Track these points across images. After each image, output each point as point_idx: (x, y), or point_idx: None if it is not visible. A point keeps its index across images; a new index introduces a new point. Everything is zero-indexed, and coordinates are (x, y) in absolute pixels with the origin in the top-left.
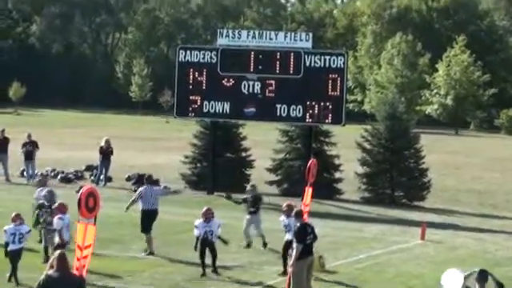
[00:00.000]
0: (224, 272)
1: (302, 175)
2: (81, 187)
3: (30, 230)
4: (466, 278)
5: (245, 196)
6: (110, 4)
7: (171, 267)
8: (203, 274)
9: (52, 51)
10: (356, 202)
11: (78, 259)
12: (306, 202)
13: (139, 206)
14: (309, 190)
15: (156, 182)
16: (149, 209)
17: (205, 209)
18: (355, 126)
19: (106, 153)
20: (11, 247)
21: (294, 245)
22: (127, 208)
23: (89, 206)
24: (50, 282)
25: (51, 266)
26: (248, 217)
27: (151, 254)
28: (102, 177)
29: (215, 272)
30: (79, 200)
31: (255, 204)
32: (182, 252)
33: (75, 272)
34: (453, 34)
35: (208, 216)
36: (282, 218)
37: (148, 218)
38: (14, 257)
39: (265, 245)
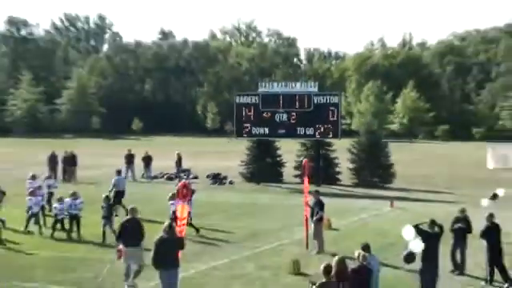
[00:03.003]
0: None
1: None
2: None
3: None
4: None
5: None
6: (192, 70)
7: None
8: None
9: (159, 99)
10: (350, 185)
11: (179, 226)
12: (306, 185)
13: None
14: (306, 179)
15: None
16: (121, 190)
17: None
18: (347, 138)
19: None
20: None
21: None
22: (110, 191)
23: (184, 193)
24: (163, 240)
25: (163, 230)
26: None
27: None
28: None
29: None
30: (178, 189)
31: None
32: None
33: (178, 234)
34: (407, 79)
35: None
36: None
37: (121, 196)
38: None
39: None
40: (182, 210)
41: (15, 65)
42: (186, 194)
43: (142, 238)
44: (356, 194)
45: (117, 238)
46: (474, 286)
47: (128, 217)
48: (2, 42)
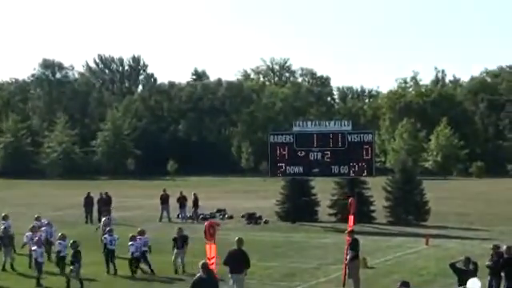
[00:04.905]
0: None
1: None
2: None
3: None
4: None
5: (174, 236)
6: (226, 110)
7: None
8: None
9: (194, 140)
10: (385, 223)
11: (208, 266)
12: (351, 224)
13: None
14: (351, 217)
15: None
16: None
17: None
18: (381, 176)
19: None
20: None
21: None
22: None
23: (210, 232)
24: (201, 280)
25: (201, 270)
26: (176, 251)
27: None
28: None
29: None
30: (205, 229)
31: (182, 241)
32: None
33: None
34: (440, 117)
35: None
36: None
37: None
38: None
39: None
40: (209, 249)
41: (50, 107)
42: (212, 233)
43: (246, 265)
44: (391, 232)
45: (224, 263)
46: None
47: (234, 247)
48: (37, 86)
